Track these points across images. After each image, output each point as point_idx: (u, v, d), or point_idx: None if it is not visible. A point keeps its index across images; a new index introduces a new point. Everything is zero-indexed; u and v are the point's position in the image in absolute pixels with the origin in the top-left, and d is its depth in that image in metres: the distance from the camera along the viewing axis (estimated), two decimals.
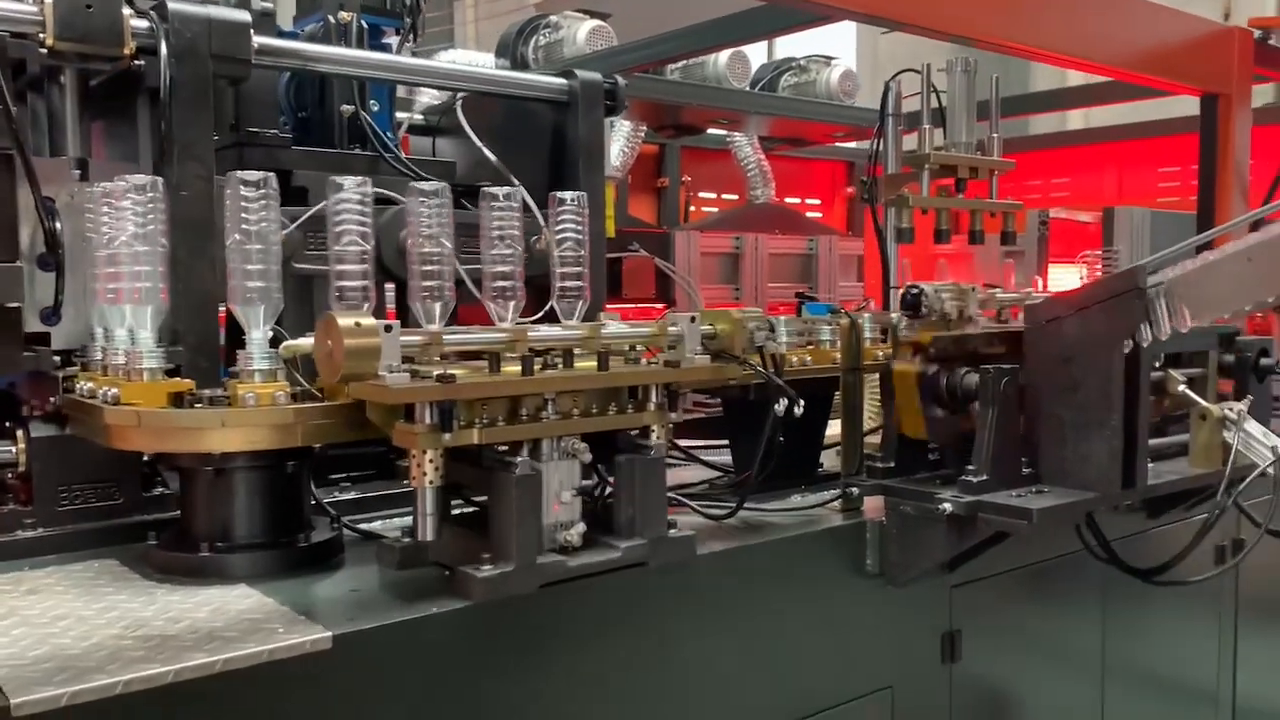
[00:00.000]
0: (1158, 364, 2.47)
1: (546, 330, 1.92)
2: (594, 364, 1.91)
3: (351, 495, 2.34)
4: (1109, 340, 2.13)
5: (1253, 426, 2.36)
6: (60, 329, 2.09)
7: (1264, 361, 2.66)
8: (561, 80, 2.75)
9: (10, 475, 2.06)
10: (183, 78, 2.13)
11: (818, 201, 6.70)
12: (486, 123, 2.90)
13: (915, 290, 2.48)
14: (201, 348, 2.15)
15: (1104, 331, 2.14)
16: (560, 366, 1.89)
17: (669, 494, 2.24)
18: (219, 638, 1.54)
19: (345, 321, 1.70)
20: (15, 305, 2.00)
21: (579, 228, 2.04)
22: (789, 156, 6.09)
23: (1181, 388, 2.45)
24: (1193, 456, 2.46)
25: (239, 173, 1.84)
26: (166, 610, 1.68)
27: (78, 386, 1.97)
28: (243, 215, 1.84)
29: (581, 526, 1.87)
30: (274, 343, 1.94)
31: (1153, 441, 2.47)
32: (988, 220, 3.10)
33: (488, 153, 2.67)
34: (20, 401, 2.07)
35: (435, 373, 1.71)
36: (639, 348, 2.06)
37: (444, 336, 1.81)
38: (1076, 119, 8.69)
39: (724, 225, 5.55)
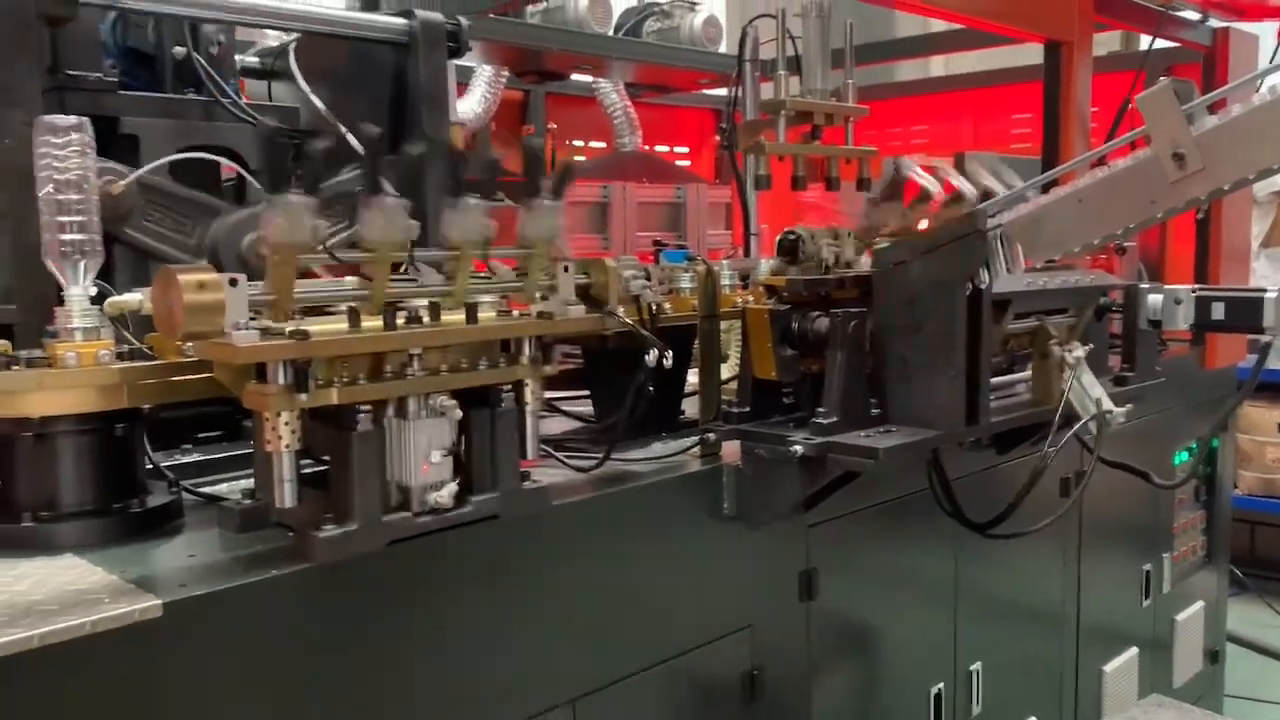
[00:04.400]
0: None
1: (405, 284, 1.85)
2: (462, 318, 1.83)
3: (195, 458, 2.24)
4: (951, 282, 2.19)
5: (1086, 377, 2.43)
6: None
7: (1102, 300, 2.76)
8: (400, 20, 2.62)
9: None
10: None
11: (686, 150, 6.69)
12: (327, 66, 2.78)
13: (793, 235, 2.48)
14: (36, 306, 2.02)
15: (946, 274, 2.19)
16: (426, 321, 1.80)
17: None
18: (36, 611, 1.45)
19: (186, 277, 1.58)
20: None
21: None
22: (656, 104, 6.05)
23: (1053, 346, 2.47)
24: (1034, 394, 2.55)
25: (47, 117, 1.72)
26: None
27: None
28: (54, 165, 1.73)
29: (453, 487, 1.81)
30: (100, 299, 1.84)
31: (1002, 379, 2.56)
32: (844, 167, 3.14)
33: (313, 97, 2.56)
34: None
35: (288, 329, 1.62)
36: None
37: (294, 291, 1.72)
38: (939, 67, 8.86)
39: (591, 173, 5.49)
